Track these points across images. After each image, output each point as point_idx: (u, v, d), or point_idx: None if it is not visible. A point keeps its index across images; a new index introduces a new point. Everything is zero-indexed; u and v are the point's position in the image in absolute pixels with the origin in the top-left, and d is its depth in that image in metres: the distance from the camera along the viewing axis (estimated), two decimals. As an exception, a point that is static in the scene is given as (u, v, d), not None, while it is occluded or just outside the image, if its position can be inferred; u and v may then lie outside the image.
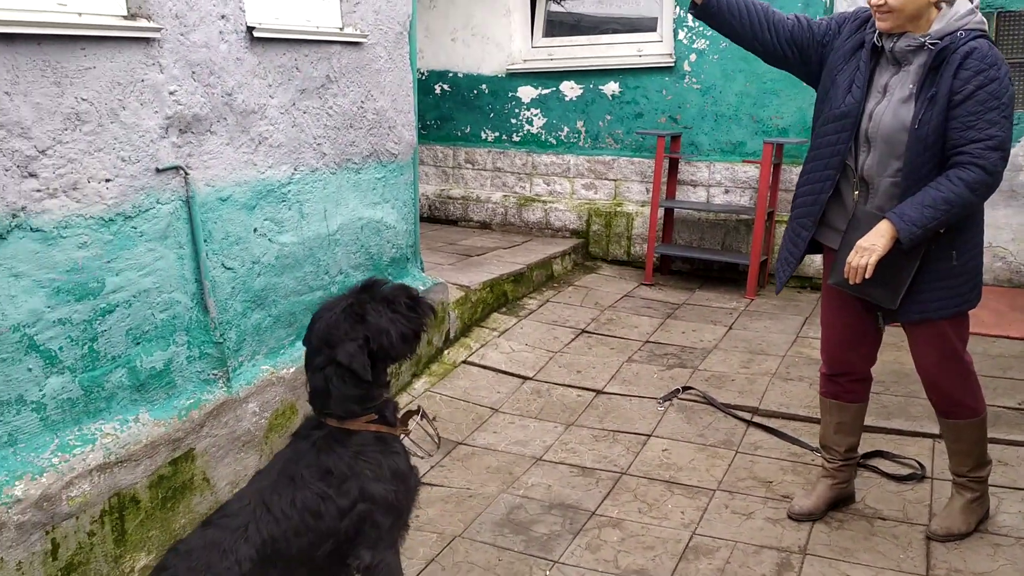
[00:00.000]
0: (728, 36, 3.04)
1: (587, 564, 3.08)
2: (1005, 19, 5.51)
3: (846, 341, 3.13)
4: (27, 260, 2.64)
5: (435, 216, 7.62)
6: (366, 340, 2.35)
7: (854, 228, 2.85)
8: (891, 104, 2.76)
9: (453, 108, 7.57)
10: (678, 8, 6.46)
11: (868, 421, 3.94)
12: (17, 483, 2.57)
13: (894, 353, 4.65)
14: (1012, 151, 5.42)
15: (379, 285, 2.48)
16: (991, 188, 2.66)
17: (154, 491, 3.01)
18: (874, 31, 2.80)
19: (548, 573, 3.04)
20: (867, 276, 2.74)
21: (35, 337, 2.67)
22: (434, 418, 4.11)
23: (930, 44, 2.67)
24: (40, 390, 2.70)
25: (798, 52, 2.98)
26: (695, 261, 6.65)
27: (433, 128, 7.61)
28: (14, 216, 2.59)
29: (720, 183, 6.52)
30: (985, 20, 2.76)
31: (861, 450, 3.66)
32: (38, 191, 2.65)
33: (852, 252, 2.78)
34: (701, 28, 6.36)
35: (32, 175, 2.63)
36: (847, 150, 2.86)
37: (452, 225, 7.57)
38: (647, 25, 6.89)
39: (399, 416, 2.55)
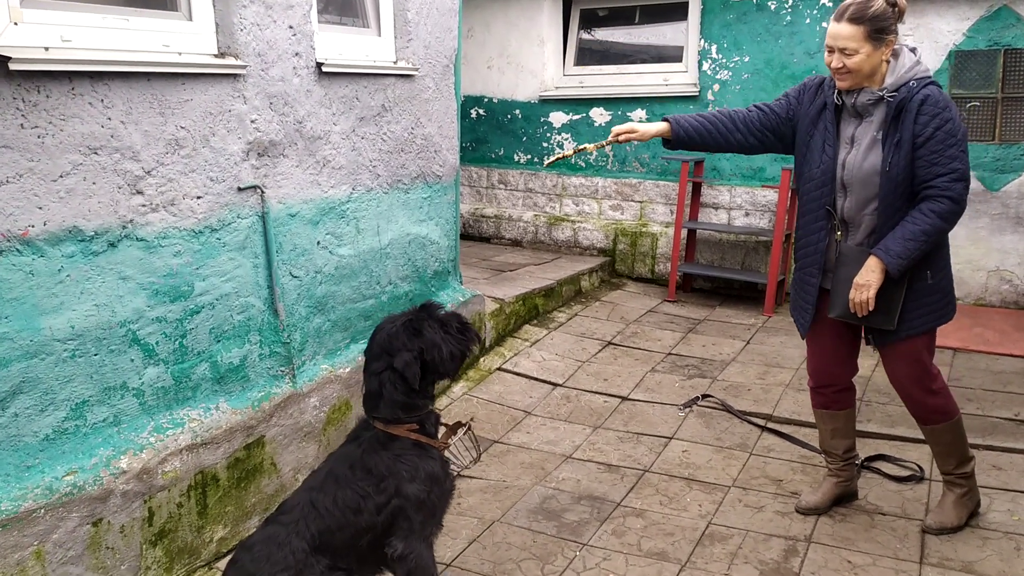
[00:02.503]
0: (708, 151, 3.49)
1: (613, 547, 3.43)
2: (1011, 56, 5.84)
3: (829, 358, 3.48)
4: (132, 265, 3.05)
5: (469, 234, 8.02)
6: (420, 352, 2.69)
7: (843, 264, 3.22)
8: (860, 152, 3.12)
9: (488, 132, 8.00)
10: (703, 40, 6.85)
11: (873, 428, 4.30)
12: (122, 457, 2.97)
13: (901, 367, 4.98)
14: (1019, 180, 5.77)
15: (435, 308, 2.82)
16: (958, 215, 3.02)
17: (231, 472, 3.40)
18: (832, 91, 3.16)
19: (578, 553, 3.39)
20: (871, 308, 3.10)
21: (137, 332, 3.08)
22: (472, 419, 4.50)
23: (888, 97, 3.03)
24: (140, 378, 3.11)
25: (772, 135, 3.35)
26: (716, 279, 7.01)
27: (468, 150, 8.03)
28: (124, 227, 3.00)
29: (740, 206, 6.88)
30: (929, 68, 3.13)
31: (864, 454, 4.01)
32: (143, 206, 3.07)
33: (852, 290, 3.14)
34: (724, 59, 6.75)
35: (139, 192, 3.05)
36: (830, 200, 3.22)
37: (485, 242, 7.98)
38: (673, 55, 7.28)
39: (444, 426, 2.86)
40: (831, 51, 3.04)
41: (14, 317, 2.67)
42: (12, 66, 2.55)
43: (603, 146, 3.48)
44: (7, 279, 2.64)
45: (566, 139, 7.62)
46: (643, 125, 3.40)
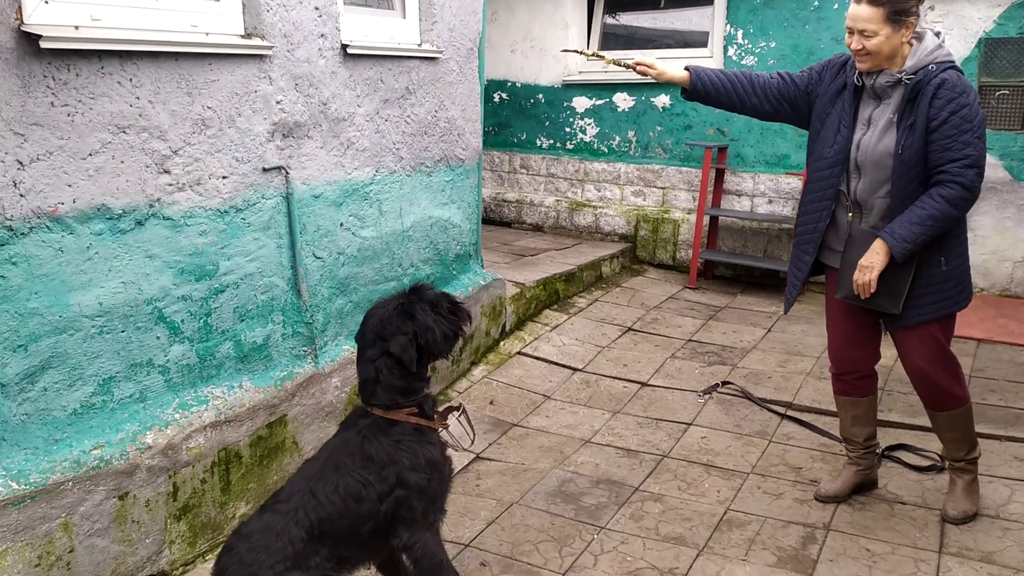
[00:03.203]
0: (722, 108, 3.45)
1: (630, 531, 3.45)
2: (1044, 44, 5.75)
3: (849, 344, 3.47)
4: (159, 244, 3.08)
5: (490, 218, 8.02)
6: (415, 335, 2.65)
7: (851, 246, 3.21)
8: (875, 134, 3.09)
9: (510, 116, 7.98)
10: (729, 25, 6.79)
11: (895, 418, 4.29)
12: (148, 432, 3.02)
13: (924, 357, 4.95)
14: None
15: (425, 289, 2.78)
16: (970, 202, 2.99)
17: (253, 449, 3.45)
18: (854, 72, 3.14)
19: (596, 537, 3.41)
20: (872, 290, 3.09)
21: (163, 310, 3.12)
22: (491, 402, 4.52)
23: (906, 79, 3.00)
24: (165, 356, 3.15)
25: (788, 105, 3.33)
26: (738, 267, 6.98)
27: (491, 134, 8.02)
28: (151, 206, 3.04)
29: (764, 193, 6.84)
30: (951, 52, 3.08)
31: (885, 444, 3.99)
32: (170, 185, 3.10)
33: (856, 271, 3.13)
34: (750, 45, 6.69)
35: (166, 171, 3.08)
36: (840, 181, 3.21)
37: (506, 227, 7.98)
38: (698, 40, 7.23)
39: (438, 411, 2.84)
40: (851, 32, 3.02)
41: (44, 293, 2.71)
42: (43, 44, 2.58)
43: (619, 64, 3.48)
44: (37, 255, 2.69)
45: (589, 124, 7.60)
46: (665, 65, 3.39)
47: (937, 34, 3.08)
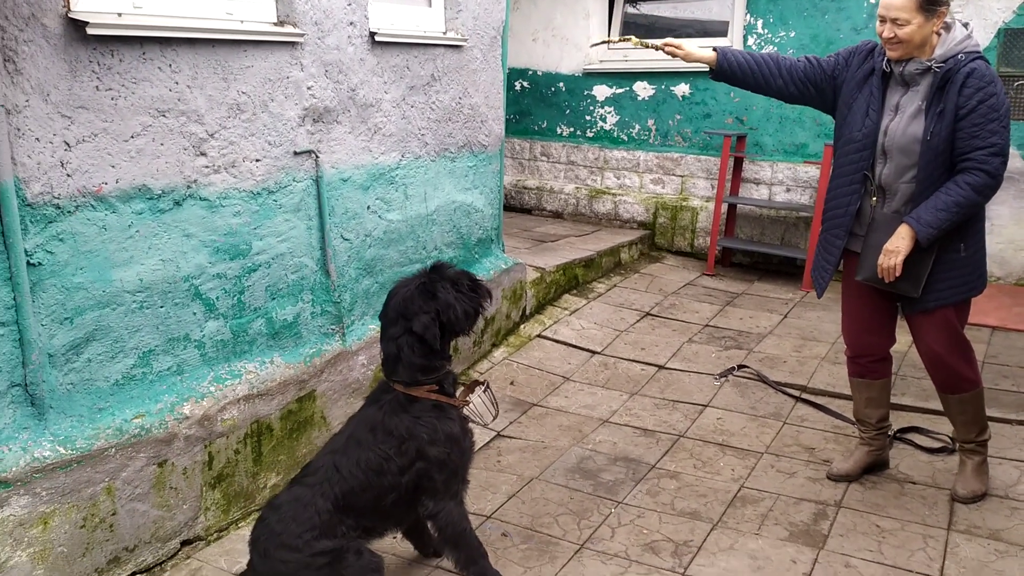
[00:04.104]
0: (747, 89, 3.53)
1: (647, 505, 3.56)
2: (1063, 34, 5.78)
3: (864, 327, 3.55)
4: (196, 224, 3.21)
5: (511, 205, 8.12)
6: (437, 313, 2.76)
7: (874, 230, 3.28)
8: (903, 120, 3.16)
9: (531, 104, 8.07)
10: (748, 15, 6.85)
11: (908, 401, 4.37)
12: (185, 404, 3.16)
13: (938, 343, 5.03)
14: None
15: (445, 268, 2.88)
16: (994, 189, 3.06)
17: (284, 422, 3.58)
18: (883, 59, 3.20)
19: (613, 511, 3.52)
20: (897, 274, 3.18)
21: (199, 287, 3.25)
22: (512, 383, 4.64)
23: (936, 67, 3.07)
24: (201, 331, 3.28)
25: (814, 88, 3.40)
26: (755, 254, 7.05)
27: (512, 122, 8.11)
28: (188, 187, 3.17)
29: (782, 182, 6.90)
30: (979, 43, 3.14)
31: (899, 426, 4.08)
32: (206, 167, 3.23)
33: (881, 255, 3.20)
34: (769, 34, 6.74)
35: (203, 154, 3.20)
36: (868, 165, 3.27)
37: (527, 214, 8.08)
38: (718, 29, 7.28)
39: (461, 386, 2.96)
40: (883, 21, 3.08)
41: (88, 269, 2.85)
42: (89, 30, 2.71)
43: (648, 46, 3.58)
44: (83, 232, 2.82)
45: (609, 112, 7.68)
46: (693, 45, 3.49)
47: (965, 25, 3.15)
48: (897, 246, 3.16)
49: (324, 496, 2.67)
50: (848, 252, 3.47)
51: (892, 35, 3.07)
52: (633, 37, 3.65)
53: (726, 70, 3.47)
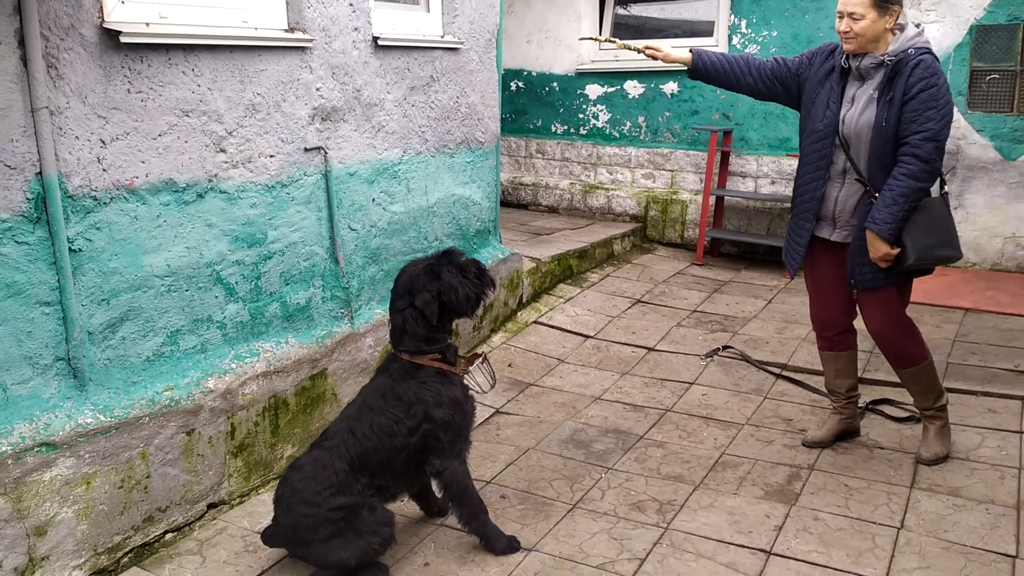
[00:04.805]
0: (721, 87, 3.85)
1: (635, 471, 3.85)
2: (1031, 30, 6.07)
3: (826, 303, 3.86)
4: (216, 214, 3.51)
5: (508, 201, 8.42)
6: (438, 293, 3.07)
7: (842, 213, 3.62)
8: (858, 109, 3.46)
9: (527, 103, 8.37)
10: (733, 15, 7.15)
11: (880, 376, 4.66)
12: (209, 378, 3.45)
13: (911, 324, 5.34)
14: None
15: (455, 255, 3.18)
16: (931, 174, 3.34)
17: (298, 398, 3.87)
18: (841, 56, 3.50)
19: (603, 475, 3.81)
20: (891, 262, 3.47)
21: (220, 273, 3.55)
22: (509, 365, 4.93)
23: (888, 60, 3.37)
24: (222, 313, 3.57)
25: (780, 86, 3.70)
26: (742, 244, 7.35)
27: (508, 121, 8.41)
28: (209, 181, 3.46)
29: (767, 175, 7.20)
30: (929, 41, 3.42)
31: (871, 399, 4.37)
32: (226, 163, 3.52)
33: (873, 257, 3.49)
34: (753, 34, 7.04)
35: (223, 150, 3.50)
36: (830, 152, 3.56)
37: (523, 209, 8.38)
38: (704, 30, 7.58)
39: (462, 358, 3.25)
40: (840, 16, 3.39)
41: (122, 255, 3.15)
42: (123, 39, 3.00)
43: (629, 48, 3.92)
44: (117, 222, 3.12)
45: (601, 111, 7.98)
46: (670, 48, 3.81)
47: (917, 25, 3.45)
48: (876, 251, 3.44)
49: (341, 457, 2.96)
50: (814, 238, 3.74)
51: (848, 29, 3.37)
52: (617, 40, 3.96)
53: (701, 69, 3.77)
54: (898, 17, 3.40)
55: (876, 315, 3.66)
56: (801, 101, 3.69)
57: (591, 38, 4.22)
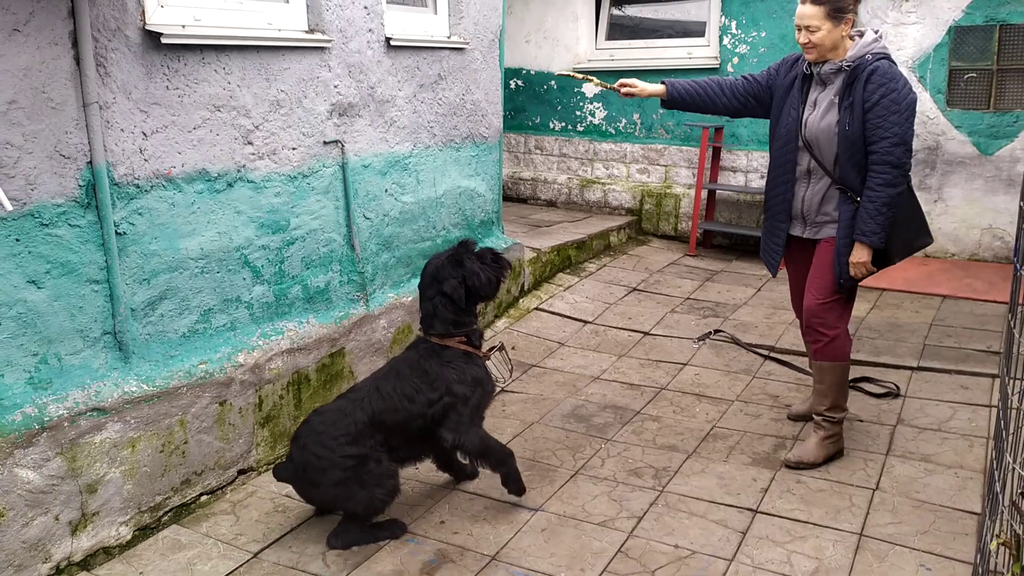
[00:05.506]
0: (697, 112, 4.00)
1: (632, 442, 4.14)
2: (1006, 31, 6.37)
3: (803, 296, 3.95)
4: (244, 202, 3.79)
5: (508, 195, 8.70)
6: (463, 279, 3.38)
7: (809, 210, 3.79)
8: (819, 113, 3.65)
9: (525, 101, 8.66)
10: (723, 17, 7.44)
11: (862, 357, 4.96)
12: (239, 354, 3.73)
13: (890, 311, 5.66)
14: (1011, 145, 6.35)
15: (472, 244, 3.51)
16: (904, 177, 3.50)
17: (319, 374, 4.15)
18: (804, 63, 3.69)
19: (603, 446, 4.10)
20: (871, 271, 3.65)
21: (248, 256, 3.82)
22: (513, 348, 5.23)
23: (846, 66, 3.56)
24: (249, 294, 3.85)
25: (754, 100, 3.91)
26: (733, 236, 7.65)
27: (507, 118, 8.69)
28: (238, 171, 3.74)
29: (757, 169, 7.50)
30: (887, 46, 3.62)
31: (852, 376, 4.66)
32: (253, 154, 3.80)
33: (851, 269, 3.63)
34: (743, 34, 7.34)
35: (250, 143, 3.77)
36: (796, 155, 3.75)
37: (523, 203, 8.67)
38: (696, 30, 7.88)
39: (485, 347, 3.53)
40: (799, 29, 3.59)
41: (161, 238, 3.42)
42: (163, 40, 3.28)
43: (606, 87, 4.06)
44: (156, 208, 3.39)
45: (598, 108, 8.27)
46: (643, 83, 3.96)
47: (876, 31, 3.67)
48: (859, 257, 3.60)
49: (363, 410, 3.24)
50: (790, 238, 3.91)
51: (807, 40, 3.57)
52: (595, 79, 4.09)
53: (676, 99, 3.96)
54: (853, 24, 3.59)
55: (809, 299, 3.79)
56: (771, 109, 3.89)
57: (568, 74, 4.30)
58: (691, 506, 3.54)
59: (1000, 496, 1.77)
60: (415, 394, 3.31)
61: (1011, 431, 1.79)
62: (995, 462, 1.95)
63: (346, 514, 3.28)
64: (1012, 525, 1.57)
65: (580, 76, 4.23)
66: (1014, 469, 1.70)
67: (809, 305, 3.82)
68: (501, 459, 3.43)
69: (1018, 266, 1.82)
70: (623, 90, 3.98)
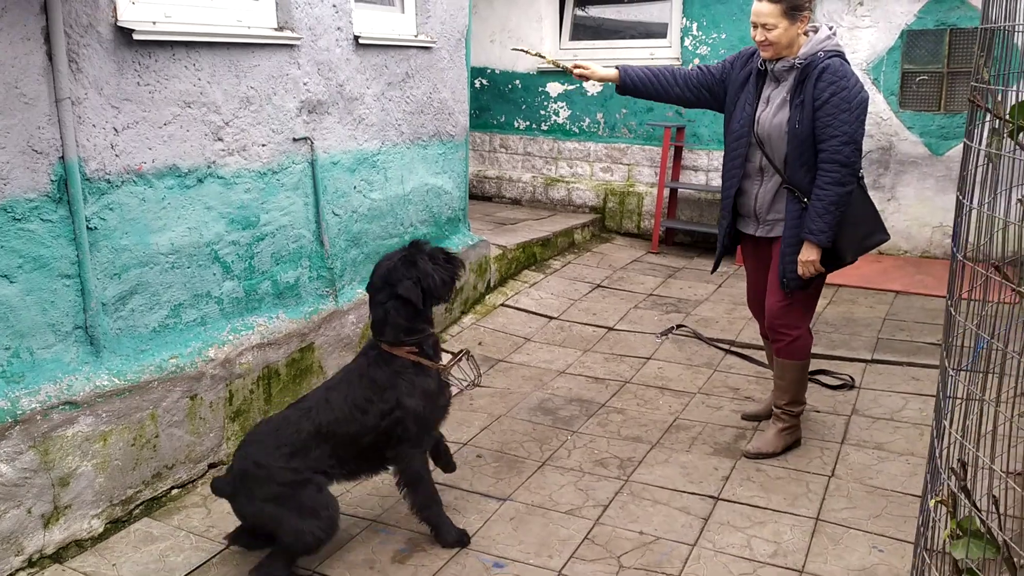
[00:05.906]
0: (650, 99, 4.03)
1: (597, 433, 4.24)
2: (956, 35, 6.59)
3: (758, 295, 4.11)
4: (214, 198, 3.81)
5: (473, 194, 8.76)
6: (417, 280, 3.17)
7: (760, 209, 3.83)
8: (771, 110, 3.69)
9: (490, 100, 8.74)
10: (685, 19, 7.59)
11: (818, 351, 5.11)
12: (210, 348, 3.76)
13: (846, 306, 5.84)
14: (959, 147, 6.55)
15: (424, 244, 3.30)
16: (852, 176, 3.51)
17: (288, 369, 4.19)
18: (759, 59, 3.73)
19: (569, 438, 4.20)
20: (819, 270, 3.67)
21: (218, 252, 3.85)
22: (480, 343, 5.29)
23: (798, 63, 3.59)
24: (219, 289, 3.88)
25: (707, 92, 3.93)
26: (695, 234, 7.81)
27: (472, 117, 8.72)
28: (208, 167, 3.77)
29: (717, 168, 7.65)
30: (840, 43, 3.67)
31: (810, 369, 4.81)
32: (223, 150, 3.83)
33: (800, 267, 3.65)
34: (703, 36, 7.49)
35: (220, 139, 3.80)
36: (747, 152, 3.79)
37: (488, 201, 8.75)
38: (658, 32, 8.02)
39: (449, 353, 3.37)
40: (755, 27, 3.60)
41: (132, 233, 3.45)
42: (135, 36, 3.31)
43: (559, 67, 4.12)
44: (127, 203, 3.41)
45: (562, 107, 8.38)
46: (597, 67, 3.95)
47: (830, 28, 3.70)
48: (807, 256, 3.63)
49: (311, 420, 3.02)
50: (745, 236, 3.98)
51: (763, 38, 3.58)
52: (547, 56, 4.16)
53: (629, 85, 3.97)
54: (808, 22, 3.61)
55: (773, 302, 3.86)
56: (725, 104, 3.94)
57: (522, 50, 4.28)
58: (655, 494, 3.65)
59: (938, 459, 1.89)
60: (368, 405, 3.09)
61: (948, 394, 1.92)
62: (934, 429, 2.08)
63: (273, 549, 3.01)
64: (948, 485, 1.69)
65: (533, 53, 4.20)
66: (950, 433, 1.83)
67: (771, 306, 3.87)
68: (426, 502, 3.22)
69: (955, 249, 1.96)
70: (576, 71, 3.96)
